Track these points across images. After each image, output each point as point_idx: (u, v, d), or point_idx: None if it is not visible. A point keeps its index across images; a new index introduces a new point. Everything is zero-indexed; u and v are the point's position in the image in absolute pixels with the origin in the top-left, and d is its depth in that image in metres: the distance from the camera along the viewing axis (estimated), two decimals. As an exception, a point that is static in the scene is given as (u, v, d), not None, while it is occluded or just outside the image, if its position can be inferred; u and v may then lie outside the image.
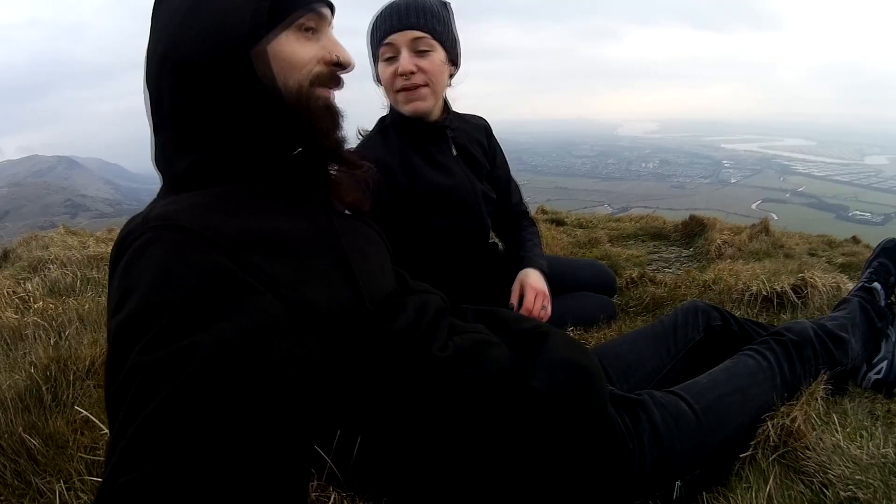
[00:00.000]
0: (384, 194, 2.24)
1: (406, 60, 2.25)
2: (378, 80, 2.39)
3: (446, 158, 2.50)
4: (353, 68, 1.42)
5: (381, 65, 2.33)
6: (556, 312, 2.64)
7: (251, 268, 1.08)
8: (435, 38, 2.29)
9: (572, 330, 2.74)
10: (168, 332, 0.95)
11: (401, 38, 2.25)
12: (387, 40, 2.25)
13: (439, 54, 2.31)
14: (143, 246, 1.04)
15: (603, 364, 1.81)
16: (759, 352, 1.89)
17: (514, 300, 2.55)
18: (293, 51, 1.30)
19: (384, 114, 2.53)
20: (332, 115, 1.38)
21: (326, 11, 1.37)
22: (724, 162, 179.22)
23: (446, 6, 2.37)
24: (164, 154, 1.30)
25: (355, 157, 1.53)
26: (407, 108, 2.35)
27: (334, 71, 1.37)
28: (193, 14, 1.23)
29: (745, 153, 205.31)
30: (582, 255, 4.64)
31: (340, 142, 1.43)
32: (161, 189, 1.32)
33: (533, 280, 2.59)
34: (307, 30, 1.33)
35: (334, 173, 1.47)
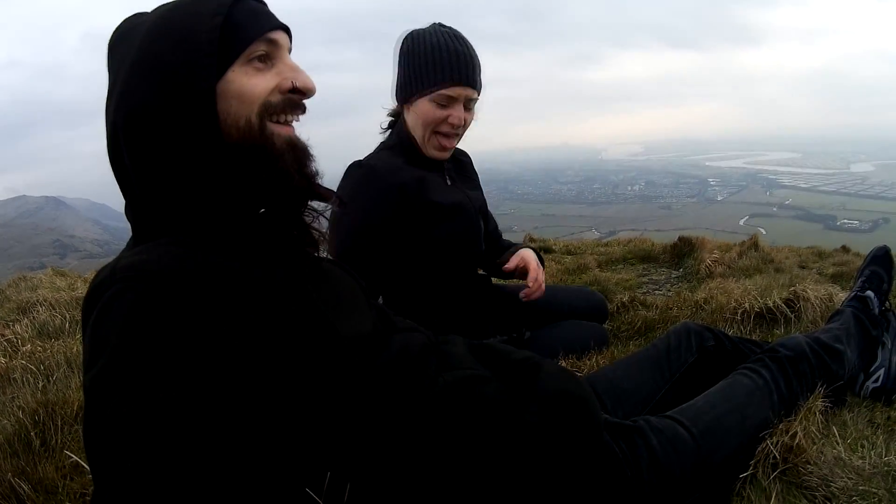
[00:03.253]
0: (385, 210, 2.32)
1: (461, 114, 2.39)
2: (401, 94, 2.46)
3: (447, 183, 2.59)
4: (313, 93, 1.36)
5: (426, 104, 2.37)
6: (547, 341, 2.65)
7: (221, 316, 1.08)
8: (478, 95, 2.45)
9: (564, 358, 2.72)
10: (138, 388, 0.96)
11: (463, 92, 2.36)
12: (450, 91, 2.34)
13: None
14: (112, 298, 1.03)
15: (597, 392, 1.81)
16: (754, 370, 1.88)
17: (510, 266, 2.61)
18: (243, 85, 1.25)
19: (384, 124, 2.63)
20: (296, 152, 1.33)
21: (280, 36, 1.33)
22: (710, 180, 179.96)
23: None
24: (131, 204, 1.27)
25: (329, 191, 1.46)
26: (436, 153, 2.47)
27: (291, 99, 1.32)
28: (143, 57, 1.21)
29: (731, 170, 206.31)
30: (571, 282, 4.63)
31: (311, 178, 1.38)
32: (130, 238, 1.29)
33: (531, 256, 2.66)
34: (260, 59, 1.28)
35: (309, 214, 1.42)
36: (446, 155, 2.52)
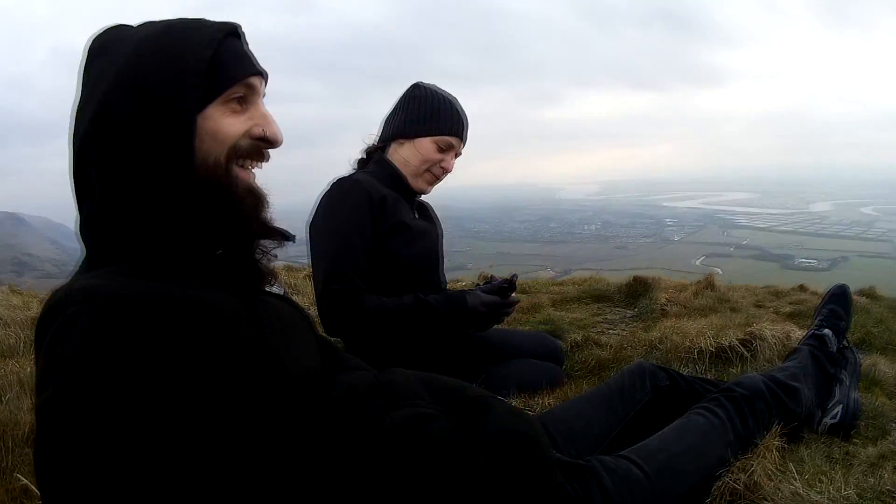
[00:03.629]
0: (370, 220, 2.54)
1: (452, 162, 2.81)
2: (406, 129, 2.74)
3: (415, 216, 2.84)
4: (279, 145, 1.37)
5: (429, 144, 2.72)
6: (501, 379, 2.69)
7: (173, 345, 1.06)
8: None
9: (517, 397, 2.71)
10: (89, 413, 0.95)
11: (458, 144, 2.80)
12: (450, 139, 2.73)
13: None
14: (67, 321, 1.02)
15: (549, 431, 1.79)
16: (709, 409, 1.87)
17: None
18: (219, 124, 1.26)
19: (365, 151, 2.91)
20: (254, 198, 1.34)
21: (258, 81, 1.33)
22: (667, 220, 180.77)
23: None
24: (88, 222, 1.26)
25: (282, 234, 1.45)
26: (425, 188, 2.82)
27: (258, 146, 1.33)
28: (129, 70, 1.21)
29: (688, 210, 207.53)
30: (525, 321, 4.59)
31: (267, 224, 1.38)
32: (84, 260, 1.27)
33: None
34: (238, 101, 1.29)
35: (260, 251, 1.42)
36: (429, 190, 2.85)
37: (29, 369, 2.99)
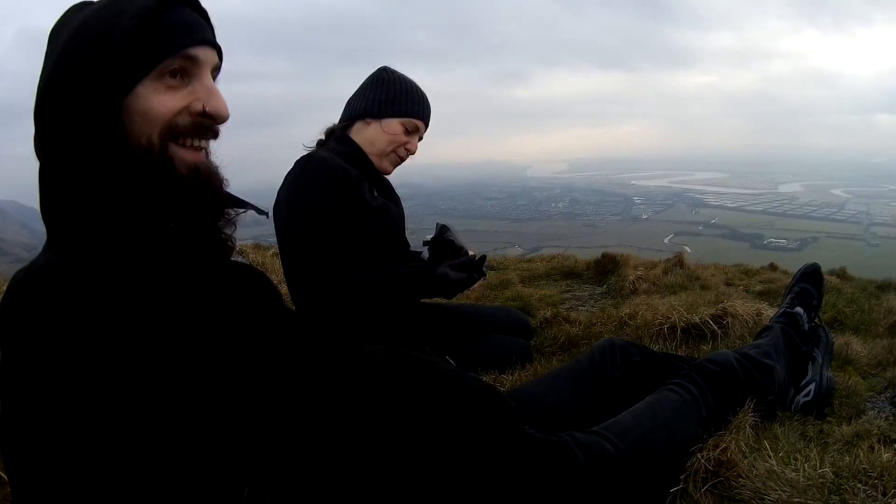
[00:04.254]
0: (337, 198, 2.53)
1: (416, 145, 2.88)
2: (373, 109, 2.78)
3: (375, 194, 2.83)
4: (225, 120, 1.30)
5: (396, 125, 2.77)
6: (467, 356, 2.69)
7: (130, 319, 1.06)
8: None
9: (486, 373, 2.71)
10: (48, 388, 0.98)
11: (423, 128, 2.87)
12: (416, 122, 2.81)
13: None
14: (25, 300, 1.05)
15: (520, 407, 1.77)
16: (681, 385, 1.86)
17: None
18: (149, 103, 1.19)
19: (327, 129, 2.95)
20: (200, 177, 1.27)
21: (203, 52, 1.26)
22: (635, 198, 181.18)
23: None
24: (43, 204, 1.23)
25: (240, 203, 1.42)
26: (388, 168, 2.88)
27: (201, 122, 1.26)
28: (63, 53, 1.17)
29: (657, 188, 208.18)
30: (494, 297, 4.59)
31: (218, 205, 1.33)
32: (47, 240, 1.25)
33: None
34: (172, 75, 1.22)
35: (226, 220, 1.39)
36: (391, 171, 2.92)
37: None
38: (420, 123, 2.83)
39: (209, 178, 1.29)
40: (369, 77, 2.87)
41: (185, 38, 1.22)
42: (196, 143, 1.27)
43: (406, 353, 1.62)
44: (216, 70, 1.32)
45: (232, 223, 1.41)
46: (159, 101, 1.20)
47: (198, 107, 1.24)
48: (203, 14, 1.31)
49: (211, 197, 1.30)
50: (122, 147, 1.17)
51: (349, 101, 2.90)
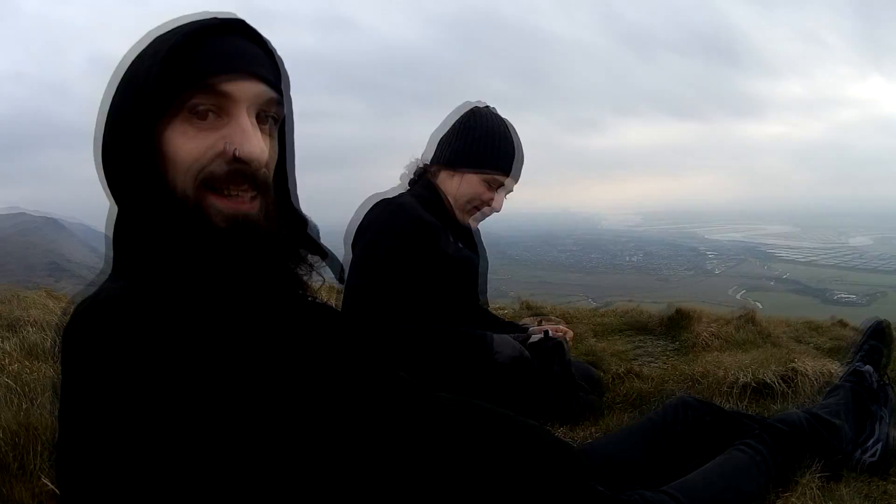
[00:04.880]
0: (410, 247, 2.49)
1: (502, 201, 2.75)
2: (456, 161, 2.69)
3: (459, 245, 2.76)
4: (260, 165, 1.16)
5: (478, 180, 2.67)
6: (541, 410, 2.64)
7: (194, 355, 1.04)
8: None
9: (557, 429, 2.67)
10: (107, 420, 0.97)
11: (510, 184, 2.74)
12: (503, 178, 2.69)
13: None
14: (87, 332, 1.03)
15: (590, 463, 1.77)
16: (750, 445, 1.85)
17: (536, 327, 2.80)
18: (174, 147, 1.11)
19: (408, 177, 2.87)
20: (240, 231, 1.16)
21: (237, 87, 1.13)
22: (708, 253, 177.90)
23: None
24: (116, 228, 1.21)
25: (314, 248, 1.35)
26: (469, 222, 2.78)
27: (238, 169, 1.14)
28: (108, 91, 1.16)
29: (729, 243, 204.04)
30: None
31: (268, 255, 1.21)
32: (112, 266, 1.22)
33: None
34: (201, 116, 1.12)
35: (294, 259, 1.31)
36: (474, 225, 2.82)
37: (62, 373, 3.06)
38: (504, 179, 2.70)
39: (251, 228, 1.17)
40: (459, 119, 2.75)
41: (214, 70, 1.12)
42: (234, 192, 1.16)
43: (482, 405, 1.60)
44: (271, 104, 1.20)
45: (306, 263, 1.33)
46: (184, 146, 1.11)
47: (228, 151, 1.12)
48: (257, 41, 1.21)
49: (254, 247, 1.17)
50: (159, 192, 1.12)
51: (440, 141, 2.80)
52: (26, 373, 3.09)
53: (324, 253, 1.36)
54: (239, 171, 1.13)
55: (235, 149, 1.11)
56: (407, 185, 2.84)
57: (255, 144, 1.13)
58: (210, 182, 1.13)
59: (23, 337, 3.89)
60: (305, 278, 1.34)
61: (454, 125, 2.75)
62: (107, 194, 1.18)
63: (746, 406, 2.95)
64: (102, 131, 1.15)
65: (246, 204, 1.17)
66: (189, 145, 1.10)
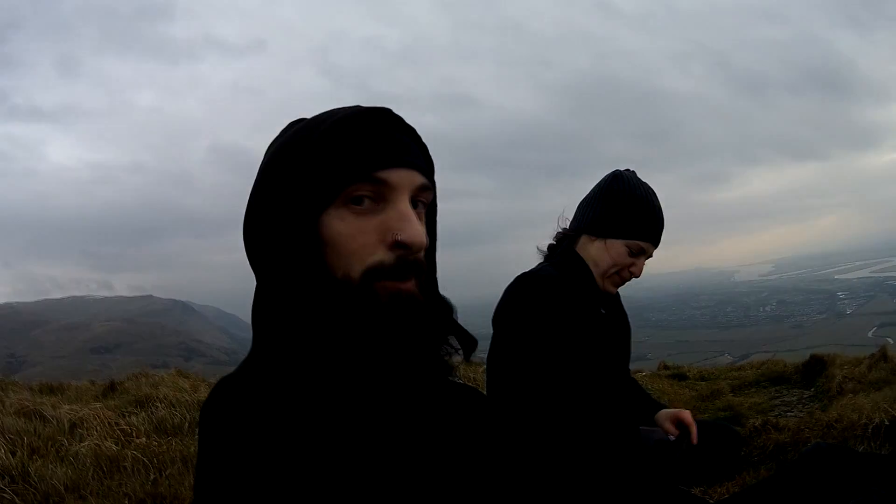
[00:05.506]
0: (564, 328, 2.39)
1: (642, 266, 2.61)
2: (599, 227, 2.57)
3: (602, 311, 2.67)
4: (421, 250, 1.11)
5: (621, 247, 2.54)
6: (680, 470, 2.61)
7: (330, 464, 1.01)
8: None
9: (695, 487, 2.68)
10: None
11: (652, 249, 2.60)
12: (645, 244, 2.56)
13: None
14: (219, 413, 1.07)
15: None
16: (889, 491, 1.78)
17: (671, 430, 2.58)
18: (337, 233, 1.08)
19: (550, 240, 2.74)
20: (404, 309, 1.10)
21: (397, 176, 1.10)
22: (839, 293, 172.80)
23: None
24: (262, 308, 1.18)
25: (464, 337, 1.26)
26: (610, 289, 2.62)
27: (405, 260, 1.10)
28: (259, 176, 1.16)
29: (858, 280, 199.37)
30: (704, 408, 4.62)
31: (427, 337, 1.14)
32: (252, 347, 1.20)
33: (675, 410, 2.68)
34: (357, 202, 1.08)
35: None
36: (614, 292, 2.68)
37: (193, 449, 3.16)
38: (649, 246, 2.60)
39: (414, 304, 1.12)
40: (599, 184, 2.66)
41: (375, 160, 1.09)
42: (400, 283, 1.10)
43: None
44: (425, 190, 1.17)
45: (452, 348, 1.24)
46: (344, 230, 1.08)
47: (390, 237, 1.08)
48: (407, 131, 1.19)
49: (416, 324, 1.11)
50: (321, 275, 1.09)
51: (581, 204, 2.70)
52: (155, 445, 3.26)
53: (472, 340, 1.28)
54: (407, 262, 1.10)
55: (398, 234, 1.08)
56: (546, 249, 2.76)
57: (417, 230, 1.10)
58: (378, 274, 1.08)
59: (151, 412, 4.12)
60: (450, 359, 1.27)
61: (595, 190, 2.66)
62: (256, 276, 1.19)
63: (880, 446, 2.94)
64: (255, 217, 1.15)
65: (408, 284, 1.12)
66: (348, 231, 1.08)
